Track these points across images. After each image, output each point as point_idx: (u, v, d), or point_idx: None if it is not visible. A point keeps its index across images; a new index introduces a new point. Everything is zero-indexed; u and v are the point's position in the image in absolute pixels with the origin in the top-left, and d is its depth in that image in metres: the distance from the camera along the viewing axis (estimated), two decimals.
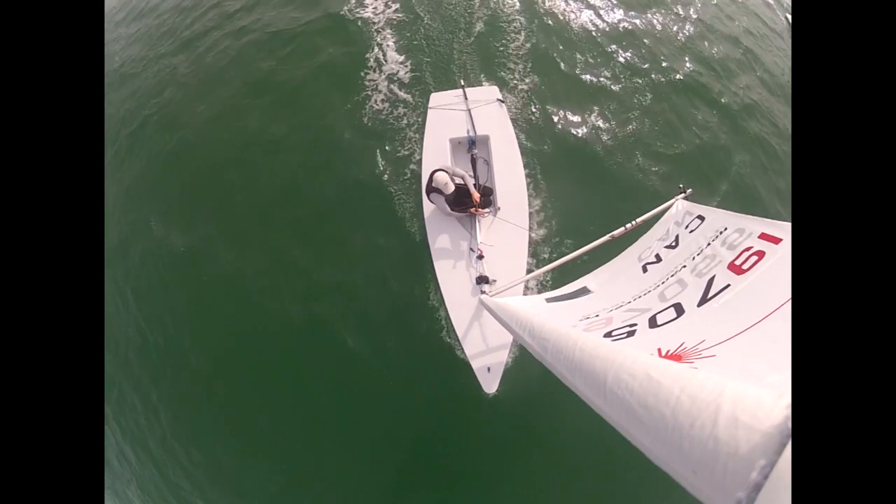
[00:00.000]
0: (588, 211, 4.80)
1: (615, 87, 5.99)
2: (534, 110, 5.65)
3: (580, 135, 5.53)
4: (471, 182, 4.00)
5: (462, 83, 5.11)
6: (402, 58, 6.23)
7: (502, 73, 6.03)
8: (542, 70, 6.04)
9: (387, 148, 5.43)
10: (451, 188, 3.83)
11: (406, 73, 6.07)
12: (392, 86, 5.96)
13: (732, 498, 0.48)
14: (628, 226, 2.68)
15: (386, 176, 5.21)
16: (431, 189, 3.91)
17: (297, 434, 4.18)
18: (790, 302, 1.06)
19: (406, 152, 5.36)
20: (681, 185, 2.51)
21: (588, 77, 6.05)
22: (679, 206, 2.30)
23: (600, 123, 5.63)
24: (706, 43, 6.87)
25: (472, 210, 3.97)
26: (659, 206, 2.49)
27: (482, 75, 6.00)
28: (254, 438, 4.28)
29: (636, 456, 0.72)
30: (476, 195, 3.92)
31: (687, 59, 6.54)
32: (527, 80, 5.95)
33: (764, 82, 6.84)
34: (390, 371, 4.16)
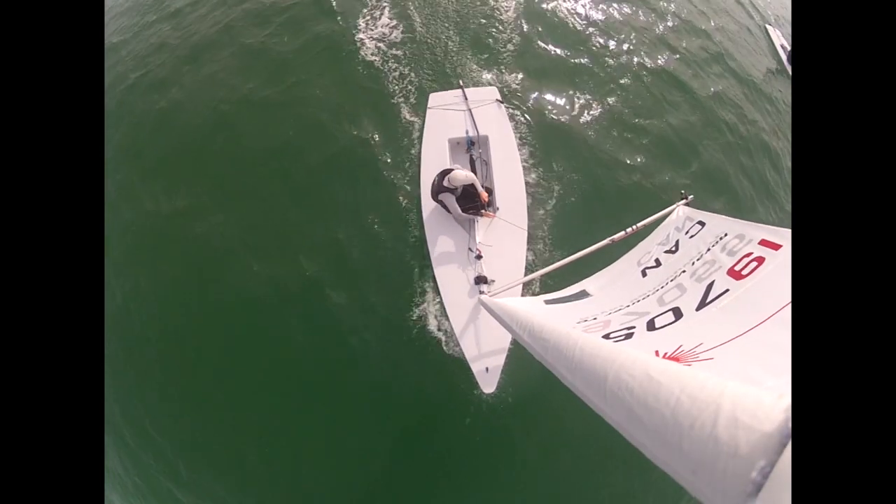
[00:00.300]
0: (588, 212, 4.88)
1: (601, 74, 6.26)
2: (529, 103, 5.76)
3: (578, 128, 5.65)
4: (479, 183, 4.02)
5: (461, 83, 5.11)
6: (394, 22, 6.50)
7: (489, 42, 6.33)
8: (535, 56, 6.27)
9: (381, 99, 5.66)
10: (472, 179, 3.86)
11: (398, 34, 6.36)
12: (381, 45, 6.22)
13: (733, 498, 0.48)
14: (629, 230, 2.69)
15: (378, 134, 5.35)
16: (443, 189, 3.87)
17: (287, 428, 4.12)
18: (789, 306, 1.07)
19: (400, 99, 5.65)
20: (682, 192, 2.52)
21: (578, 62, 6.33)
22: (680, 212, 2.31)
23: (598, 119, 5.81)
24: (682, 35, 7.33)
25: (484, 213, 3.99)
26: (659, 211, 2.49)
27: (470, 49, 6.21)
28: (241, 425, 4.19)
29: (634, 454, 0.73)
30: (485, 195, 3.94)
31: (667, 49, 6.94)
32: (517, 60, 6.15)
33: (733, 72, 7.30)
34: (387, 370, 4.14)
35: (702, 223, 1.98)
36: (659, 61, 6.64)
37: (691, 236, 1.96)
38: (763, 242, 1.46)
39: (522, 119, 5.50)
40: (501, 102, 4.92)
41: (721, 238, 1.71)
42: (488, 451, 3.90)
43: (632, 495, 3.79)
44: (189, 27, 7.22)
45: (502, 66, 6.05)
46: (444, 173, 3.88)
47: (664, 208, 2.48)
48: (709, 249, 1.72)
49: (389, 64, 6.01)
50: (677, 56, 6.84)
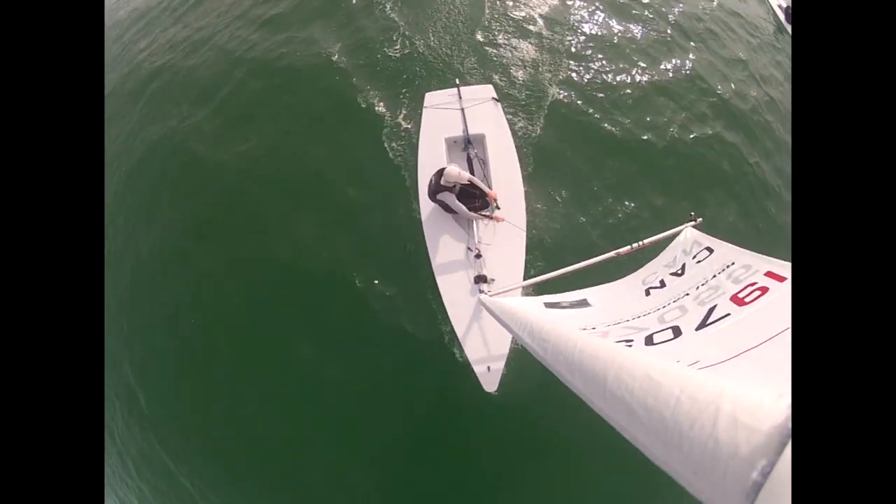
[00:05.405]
0: (585, 210, 4.84)
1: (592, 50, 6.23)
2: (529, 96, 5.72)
3: (575, 128, 5.58)
4: (483, 184, 4.01)
5: (457, 81, 5.10)
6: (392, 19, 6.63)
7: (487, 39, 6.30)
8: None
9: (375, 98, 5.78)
10: (466, 176, 3.84)
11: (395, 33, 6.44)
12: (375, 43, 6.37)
13: (733, 498, 0.48)
14: (634, 245, 2.66)
15: (373, 135, 5.48)
16: (441, 188, 3.85)
17: (289, 426, 4.14)
18: (789, 330, 1.06)
19: (396, 97, 5.77)
20: (692, 213, 2.48)
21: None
22: (688, 234, 2.29)
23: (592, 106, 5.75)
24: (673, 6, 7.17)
25: (494, 216, 3.97)
26: (668, 230, 2.47)
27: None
28: (240, 426, 4.24)
29: (635, 454, 0.73)
30: (493, 194, 3.94)
31: (662, 23, 6.87)
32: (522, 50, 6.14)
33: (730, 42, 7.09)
34: (388, 370, 4.14)
35: (710, 249, 1.97)
36: (652, 34, 6.60)
37: (698, 261, 1.95)
38: (769, 274, 1.45)
39: (519, 118, 5.47)
40: (497, 100, 4.90)
41: (728, 266, 1.70)
42: (490, 451, 3.90)
43: (633, 493, 3.79)
44: None
45: (498, 64, 6.02)
46: (440, 172, 3.87)
47: (672, 227, 2.43)
48: (714, 276, 1.71)
49: (384, 60, 6.09)
50: (671, 31, 6.75)
